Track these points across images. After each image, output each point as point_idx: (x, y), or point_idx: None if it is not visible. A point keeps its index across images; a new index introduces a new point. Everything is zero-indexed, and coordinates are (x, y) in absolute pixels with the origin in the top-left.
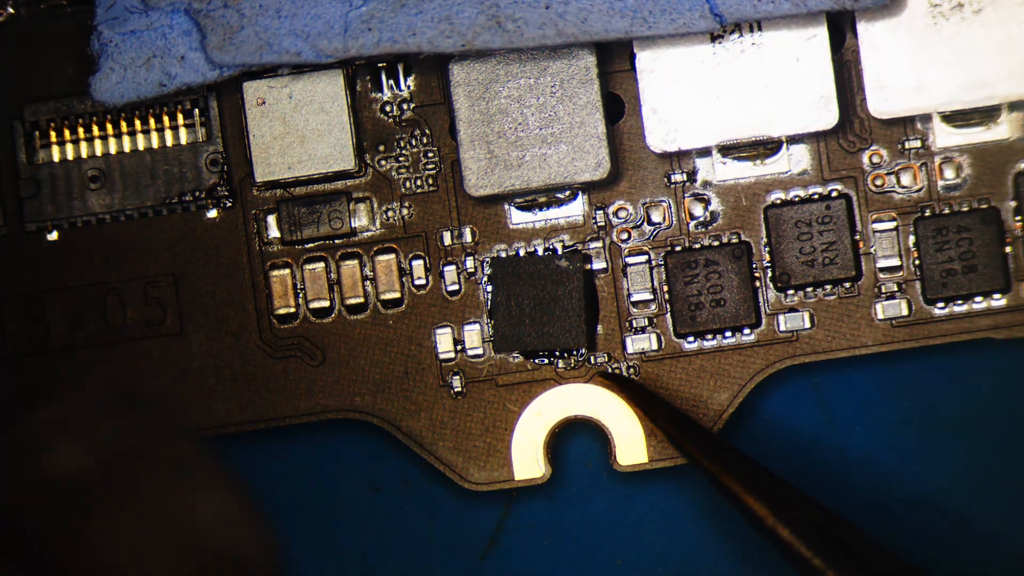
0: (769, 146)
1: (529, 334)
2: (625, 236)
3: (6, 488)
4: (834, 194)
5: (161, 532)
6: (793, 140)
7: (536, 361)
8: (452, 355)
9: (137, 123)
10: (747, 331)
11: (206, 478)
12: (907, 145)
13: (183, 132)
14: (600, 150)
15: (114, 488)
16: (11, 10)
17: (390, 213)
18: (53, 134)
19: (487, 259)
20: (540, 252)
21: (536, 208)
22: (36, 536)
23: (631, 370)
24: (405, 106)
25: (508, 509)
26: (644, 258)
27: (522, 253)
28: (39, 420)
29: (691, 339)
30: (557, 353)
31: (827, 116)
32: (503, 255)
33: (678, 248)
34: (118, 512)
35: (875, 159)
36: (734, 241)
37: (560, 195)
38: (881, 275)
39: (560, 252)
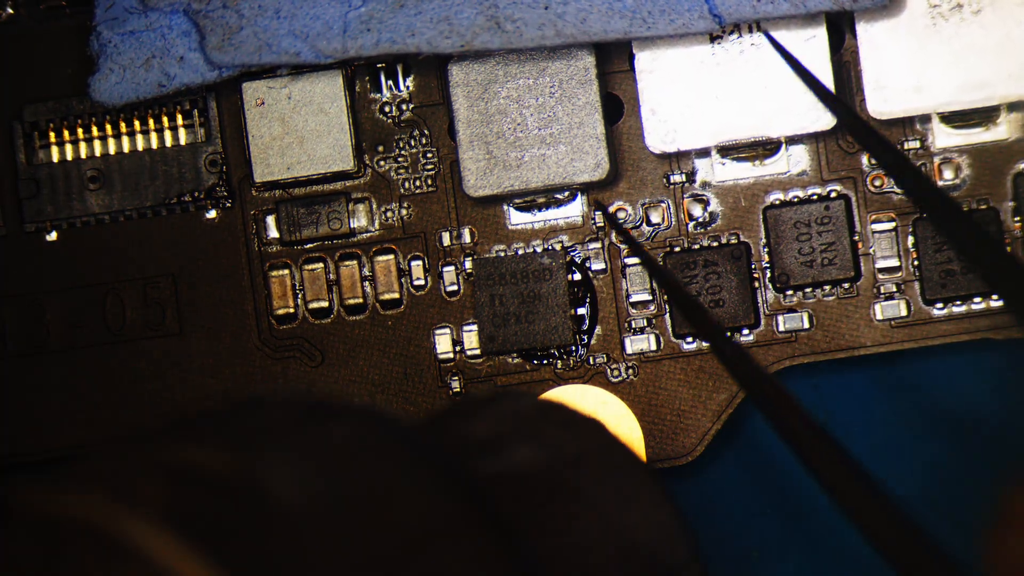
0: (768, 147)
1: (515, 333)
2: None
3: (477, 474)
4: (833, 195)
5: (604, 537)
6: (792, 141)
7: (535, 362)
8: (451, 356)
9: (136, 124)
10: (746, 331)
11: (644, 492)
12: (906, 146)
13: (182, 133)
14: (599, 151)
15: (562, 490)
16: (11, 10)
17: (389, 214)
18: (52, 134)
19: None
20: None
21: (535, 209)
22: (509, 521)
23: (630, 371)
24: (404, 107)
25: None
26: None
27: (520, 254)
28: (496, 418)
29: (690, 339)
30: (556, 353)
31: (826, 117)
32: (502, 255)
33: (677, 249)
34: (566, 513)
35: (874, 160)
36: (733, 242)
37: (559, 196)
38: (880, 276)
39: (539, 251)
